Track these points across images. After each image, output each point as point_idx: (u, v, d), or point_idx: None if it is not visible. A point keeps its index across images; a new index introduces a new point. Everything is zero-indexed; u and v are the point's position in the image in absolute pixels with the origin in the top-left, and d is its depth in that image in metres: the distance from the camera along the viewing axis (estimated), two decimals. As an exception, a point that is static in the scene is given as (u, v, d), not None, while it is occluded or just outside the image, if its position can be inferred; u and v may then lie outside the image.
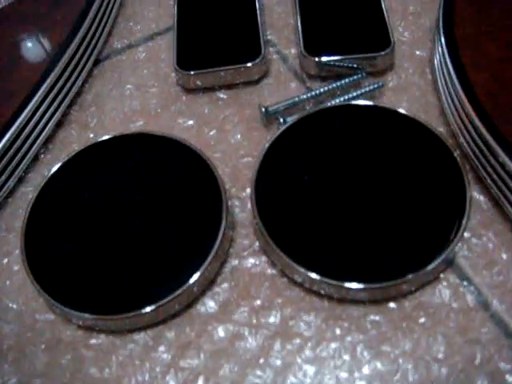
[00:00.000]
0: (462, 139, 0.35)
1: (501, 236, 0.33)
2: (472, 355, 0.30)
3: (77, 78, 0.41)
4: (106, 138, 0.37)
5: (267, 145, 0.35)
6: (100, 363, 0.31)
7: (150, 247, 0.32)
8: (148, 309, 0.30)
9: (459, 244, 0.31)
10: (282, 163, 0.34)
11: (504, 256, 0.32)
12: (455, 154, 0.34)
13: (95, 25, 0.42)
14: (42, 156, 0.39)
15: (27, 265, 0.32)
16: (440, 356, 0.30)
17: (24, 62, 0.40)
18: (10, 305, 0.33)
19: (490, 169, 0.33)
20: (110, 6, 0.44)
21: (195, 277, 0.31)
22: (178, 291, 0.30)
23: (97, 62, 0.43)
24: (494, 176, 0.33)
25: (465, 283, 0.32)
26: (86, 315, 0.30)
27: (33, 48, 0.40)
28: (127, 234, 0.33)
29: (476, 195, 0.34)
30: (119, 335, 0.31)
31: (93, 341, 0.31)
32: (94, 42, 0.42)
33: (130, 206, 0.34)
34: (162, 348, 0.31)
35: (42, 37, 0.41)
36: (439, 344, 0.30)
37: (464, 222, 0.32)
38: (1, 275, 0.34)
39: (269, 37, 0.43)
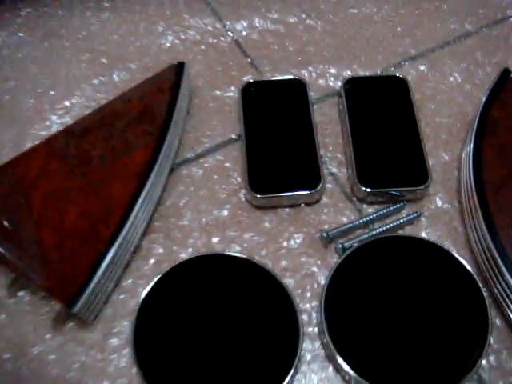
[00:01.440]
0: (482, 267, 0.50)
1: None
2: None
3: (157, 187, 0.53)
4: (189, 257, 0.50)
5: (333, 268, 0.48)
6: None
7: (240, 358, 0.45)
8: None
9: (483, 362, 0.46)
10: (345, 284, 0.48)
11: (515, 367, 0.47)
12: (478, 281, 0.48)
13: (172, 136, 0.55)
14: (131, 264, 0.51)
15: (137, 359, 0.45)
16: None
17: (116, 175, 0.52)
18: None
19: (504, 293, 0.48)
20: (182, 117, 0.57)
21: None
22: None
23: (171, 171, 0.55)
24: (508, 300, 0.47)
25: (485, 391, 0.46)
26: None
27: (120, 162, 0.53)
28: (218, 346, 0.46)
29: (497, 320, 0.49)
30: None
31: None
32: (171, 152, 0.55)
33: (216, 319, 0.47)
34: None
35: (129, 152, 0.53)
36: None
37: (487, 341, 0.46)
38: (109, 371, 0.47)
39: (322, 157, 0.56)
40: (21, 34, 0.66)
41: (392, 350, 0.46)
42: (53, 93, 0.62)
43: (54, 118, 0.60)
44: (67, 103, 0.61)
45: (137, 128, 0.54)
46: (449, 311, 0.47)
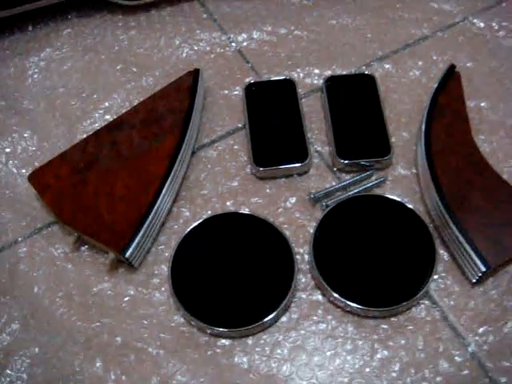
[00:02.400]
0: (433, 216, 0.65)
1: (455, 277, 0.63)
2: (437, 347, 0.60)
3: (183, 166, 0.69)
4: (210, 215, 0.66)
5: (318, 220, 0.64)
6: (226, 357, 0.60)
7: (252, 286, 0.61)
8: (253, 325, 0.59)
9: (431, 283, 0.61)
10: (327, 232, 0.64)
11: (456, 289, 0.63)
12: (429, 226, 0.64)
13: (192, 127, 0.70)
14: (166, 223, 0.67)
15: (174, 292, 0.61)
16: (420, 347, 0.60)
17: (151, 157, 0.68)
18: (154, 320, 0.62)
19: (448, 236, 0.63)
20: (199, 112, 0.73)
21: (281, 305, 0.60)
22: (271, 315, 0.59)
23: (192, 154, 0.71)
24: (451, 240, 0.63)
25: (434, 306, 0.62)
26: (219, 328, 0.59)
27: (153, 147, 0.68)
28: (235, 277, 0.61)
29: (441, 252, 0.64)
30: (236, 339, 0.60)
31: (219, 343, 0.60)
32: (192, 139, 0.71)
33: (233, 260, 0.62)
34: (260, 347, 0.60)
35: (159, 140, 0.69)
36: (419, 341, 0.60)
37: (434, 268, 0.62)
38: (153, 301, 0.62)
39: (310, 138, 0.72)
40: (64, 50, 0.82)
41: (365, 277, 0.61)
42: (95, 96, 0.77)
43: (97, 115, 0.76)
44: (107, 104, 0.77)
45: (166, 121, 0.70)
46: (407, 249, 0.63)
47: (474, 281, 0.62)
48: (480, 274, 0.61)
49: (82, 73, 0.80)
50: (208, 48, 0.81)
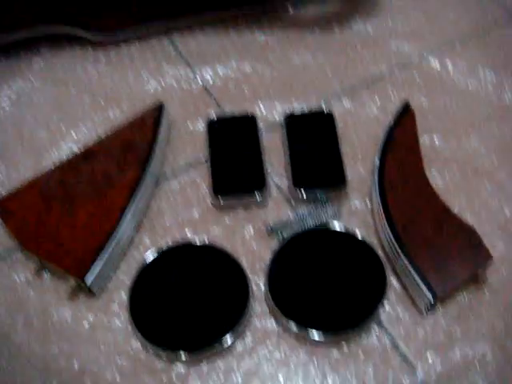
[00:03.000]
0: (385, 248, 0.68)
1: (405, 306, 0.65)
2: (387, 374, 0.62)
3: (145, 196, 0.71)
4: (171, 245, 0.67)
5: (274, 251, 0.66)
6: (181, 383, 0.61)
7: (208, 313, 0.63)
8: (210, 349, 0.61)
9: (383, 311, 0.63)
10: (282, 262, 0.66)
11: (407, 317, 0.65)
12: (381, 257, 0.66)
13: (156, 158, 0.72)
14: (127, 251, 0.69)
15: (132, 318, 0.62)
16: (370, 374, 0.61)
17: (115, 187, 0.69)
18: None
19: (399, 266, 0.66)
20: (163, 145, 0.75)
21: (235, 329, 0.61)
22: (227, 339, 0.61)
23: (156, 184, 0.73)
24: (402, 271, 0.65)
25: (384, 333, 0.64)
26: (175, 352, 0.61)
27: (117, 177, 0.70)
28: (192, 304, 0.63)
29: (393, 281, 0.67)
30: (191, 365, 0.62)
31: (174, 370, 0.61)
32: (155, 170, 0.73)
33: (192, 288, 0.64)
34: (214, 373, 0.61)
35: (123, 170, 0.71)
36: (370, 367, 0.62)
37: (385, 297, 0.64)
38: (112, 327, 0.64)
39: (269, 170, 0.74)
40: (34, 82, 0.84)
41: (318, 306, 0.63)
42: (63, 127, 0.80)
43: (64, 146, 0.78)
44: (74, 135, 0.79)
45: (130, 153, 0.72)
46: (359, 279, 0.65)
47: (423, 309, 0.64)
48: (429, 304, 0.63)
49: (51, 104, 0.82)
50: (174, 83, 0.84)
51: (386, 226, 0.67)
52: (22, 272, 0.68)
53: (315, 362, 0.62)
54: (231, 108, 0.81)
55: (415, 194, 0.70)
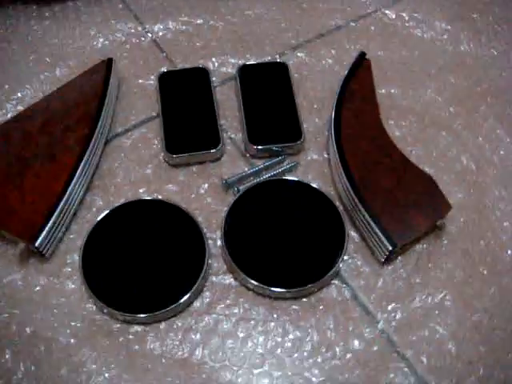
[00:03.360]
0: (343, 199, 0.67)
1: (364, 257, 0.65)
2: (348, 325, 0.61)
3: (95, 155, 0.68)
4: (122, 202, 0.65)
5: (229, 205, 0.64)
6: (138, 343, 0.59)
7: (164, 271, 0.61)
8: (165, 309, 0.59)
9: (342, 263, 0.62)
10: (239, 217, 0.64)
11: (366, 269, 0.64)
12: (339, 209, 0.65)
13: (105, 116, 0.70)
14: (78, 213, 0.66)
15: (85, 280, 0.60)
16: (331, 326, 0.61)
17: (62, 147, 0.66)
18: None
19: (357, 217, 0.65)
20: (113, 101, 0.72)
21: (194, 288, 0.60)
22: (183, 298, 0.59)
23: (106, 143, 0.70)
24: (360, 221, 0.64)
25: (344, 285, 0.63)
26: (131, 314, 0.59)
27: (64, 137, 0.67)
28: (147, 264, 0.61)
29: (352, 233, 0.66)
30: (148, 325, 0.60)
31: (131, 330, 0.60)
32: (105, 128, 0.70)
33: (147, 246, 0.62)
34: (173, 332, 0.60)
35: (71, 129, 0.68)
36: (330, 320, 0.61)
37: (344, 249, 0.63)
38: (64, 290, 0.61)
39: (223, 125, 0.72)
40: (-26, 41, 0.80)
41: (275, 260, 0.62)
42: (7, 87, 0.76)
43: (8, 106, 0.74)
44: (19, 95, 0.75)
45: (78, 110, 0.69)
46: (317, 232, 0.64)
47: (383, 260, 0.63)
48: (387, 253, 0.62)
49: (-7, 64, 0.78)
50: (123, 38, 0.81)
51: (344, 177, 0.66)
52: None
53: (275, 317, 0.61)
54: (182, 62, 0.78)
55: (372, 145, 0.68)
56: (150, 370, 0.58)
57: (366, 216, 0.63)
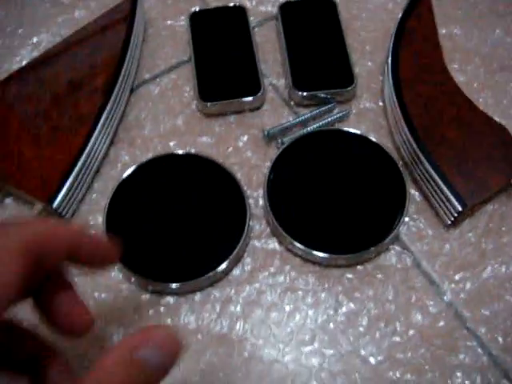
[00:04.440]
0: (402, 152, 0.58)
1: (428, 219, 0.56)
2: (409, 296, 0.53)
3: (120, 104, 0.60)
4: (151, 157, 0.57)
5: (272, 160, 0.56)
6: (171, 316, 0.52)
7: (199, 235, 0.53)
8: (201, 278, 0.51)
9: (402, 226, 0.54)
10: (283, 172, 0.56)
11: (430, 232, 0.55)
12: (398, 164, 0.56)
13: (130, 61, 0.61)
14: (101, 169, 0.58)
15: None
16: (390, 298, 0.53)
17: (82, 95, 0.59)
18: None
19: (420, 173, 0.56)
20: (139, 44, 0.64)
21: (233, 254, 0.52)
22: (221, 266, 0.52)
23: (131, 91, 0.62)
24: (423, 178, 0.56)
25: (405, 251, 0.54)
26: (162, 283, 0.51)
27: (85, 84, 0.59)
28: (180, 226, 0.53)
29: (412, 191, 0.57)
30: (181, 295, 0.53)
31: (162, 301, 0.52)
32: (130, 74, 0.62)
33: (179, 207, 0.54)
34: (209, 304, 0.52)
35: (92, 75, 0.60)
36: (389, 291, 0.53)
37: (405, 210, 0.54)
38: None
39: (263, 70, 0.63)
40: (-14, -17, 0.72)
41: (327, 222, 0.54)
42: (21, 31, 0.68)
43: (24, 52, 0.66)
44: (35, 39, 0.67)
45: (99, 55, 0.61)
46: (374, 189, 0.55)
47: (449, 222, 0.55)
48: (456, 215, 0.54)
49: (5, 6, 0.70)
50: (149, -25, 0.72)
51: (404, 127, 0.57)
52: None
53: (326, 287, 0.53)
54: (216, 2, 0.69)
55: (436, 91, 0.59)
56: (183, 347, 0.51)
57: (431, 171, 0.54)
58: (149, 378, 0.32)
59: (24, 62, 0.65)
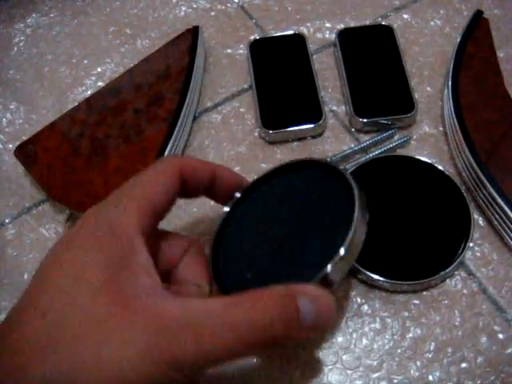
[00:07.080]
0: (465, 177, 0.58)
1: (492, 244, 0.56)
2: (477, 322, 0.53)
3: (184, 133, 0.62)
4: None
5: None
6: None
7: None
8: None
9: (467, 251, 0.54)
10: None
11: (495, 257, 0.55)
12: (462, 189, 0.57)
13: (193, 89, 0.63)
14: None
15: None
16: (457, 323, 0.53)
17: (148, 123, 0.60)
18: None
19: (484, 198, 0.56)
20: (201, 73, 0.65)
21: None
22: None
23: (194, 119, 0.64)
24: (487, 202, 0.56)
25: (471, 277, 0.54)
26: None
27: (150, 113, 0.61)
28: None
29: (476, 217, 0.57)
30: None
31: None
32: (193, 103, 0.63)
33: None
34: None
35: (157, 104, 0.61)
36: (456, 316, 0.53)
37: (470, 236, 0.54)
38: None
39: (323, 97, 0.64)
40: (52, 15, 0.75)
41: (392, 248, 0.54)
42: (86, 62, 0.70)
43: (89, 82, 0.69)
44: (99, 69, 0.69)
45: (163, 83, 0.63)
46: (439, 215, 0.55)
47: (515, 247, 0.55)
48: (522, 239, 0.54)
49: (71, 38, 0.72)
50: (208, 5, 0.73)
51: (466, 151, 0.57)
52: (50, 225, 0.60)
53: (392, 312, 0.53)
54: (274, 29, 0.71)
55: (498, 115, 0.59)
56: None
57: (495, 196, 0.54)
58: (292, 329, 0.36)
59: (89, 92, 0.67)
